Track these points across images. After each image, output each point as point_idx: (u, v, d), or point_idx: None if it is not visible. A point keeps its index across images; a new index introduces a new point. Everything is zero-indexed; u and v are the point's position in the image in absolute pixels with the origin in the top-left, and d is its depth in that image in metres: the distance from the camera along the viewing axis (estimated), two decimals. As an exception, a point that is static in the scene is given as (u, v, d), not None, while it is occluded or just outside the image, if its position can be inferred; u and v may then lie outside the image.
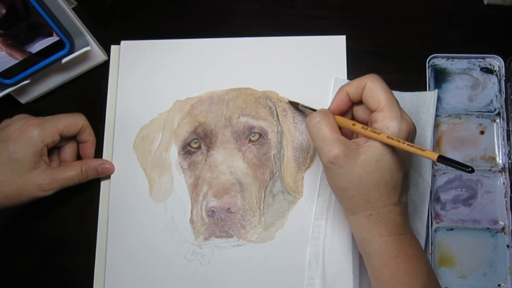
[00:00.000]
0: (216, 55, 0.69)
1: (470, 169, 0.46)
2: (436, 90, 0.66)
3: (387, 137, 0.50)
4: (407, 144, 0.49)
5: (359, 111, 0.57)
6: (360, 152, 0.51)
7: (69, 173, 0.63)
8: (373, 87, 0.52)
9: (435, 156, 0.47)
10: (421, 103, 0.66)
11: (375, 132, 0.51)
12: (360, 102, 0.55)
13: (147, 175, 0.67)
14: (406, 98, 0.66)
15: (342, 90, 0.55)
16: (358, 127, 0.53)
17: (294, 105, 0.66)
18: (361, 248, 0.55)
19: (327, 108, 0.57)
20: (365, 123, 0.54)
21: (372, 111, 0.53)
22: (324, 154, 0.51)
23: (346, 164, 0.50)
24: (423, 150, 0.48)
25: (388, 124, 0.51)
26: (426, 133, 0.65)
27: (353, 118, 0.58)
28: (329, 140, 0.51)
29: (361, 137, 0.53)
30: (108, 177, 0.67)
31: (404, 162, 0.52)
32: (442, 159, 0.47)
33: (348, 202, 0.53)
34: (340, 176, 0.51)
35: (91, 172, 0.65)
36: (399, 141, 0.49)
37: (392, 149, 0.51)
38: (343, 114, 0.57)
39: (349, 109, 0.57)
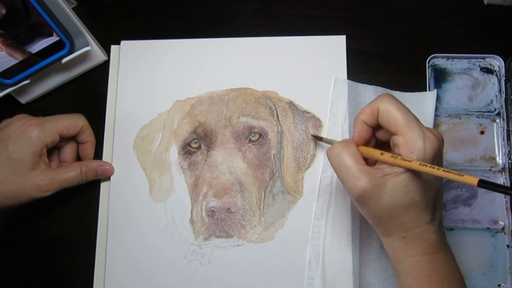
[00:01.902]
0: (216, 55, 0.69)
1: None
2: (435, 90, 0.66)
3: (419, 164, 0.47)
4: (443, 170, 0.46)
5: (380, 133, 0.54)
6: (387, 179, 0.49)
7: (69, 174, 0.63)
8: (387, 111, 0.50)
9: (475, 181, 0.44)
10: (421, 104, 0.66)
11: (406, 160, 0.48)
12: (380, 126, 0.53)
13: (147, 175, 0.67)
14: (406, 98, 0.66)
15: (358, 119, 0.53)
16: (387, 157, 0.50)
17: (318, 139, 0.65)
18: (394, 265, 0.54)
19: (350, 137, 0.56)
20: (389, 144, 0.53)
21: (392, 134, 0.51)
22: (351, 188, 0.49)
23: (374, 195, 0.48)
24: (461, 175, 0.45)
25: (412, 147, 0.48)
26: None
27: (376, 140, 0.55)
28: (354, 172, 0.49)
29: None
30: (108, 177, 0.67)
31: (434, 179, 0.50)
32: (483, 183, 0.44)
33: (381, 227, 0.52)
34: (370, 207, 0.50)
35: (91, 173, 0.65)
36: (433, 167, 0.46)
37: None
38: (367, 140, 0.54)
39: (372, 134, 0.55)
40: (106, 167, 0.66)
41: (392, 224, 0.50)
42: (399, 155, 0.49)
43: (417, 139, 0.48)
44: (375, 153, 0.52)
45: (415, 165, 0.47)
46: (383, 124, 0.51)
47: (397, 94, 0.66)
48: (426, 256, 0.50)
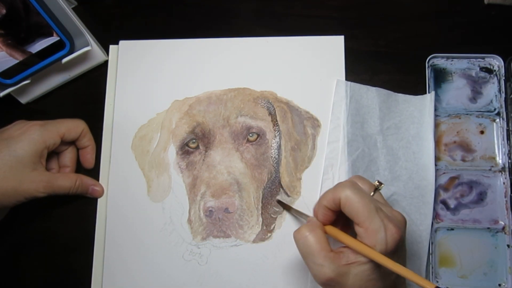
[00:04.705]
0: (214, 55, 0.69)
1: None
2: (433, 92, 0.66)
3: (382, 258, 0.47)
4: (410, 274, 0.46)
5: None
6: (350, 268, 0.49)
7: (64, 182, 0.63)
8: (348, 203, 0.49)
9: (432, 287, 0.44)
10: (422, 106, 0.66)
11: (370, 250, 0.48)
12: None
13: (145, 175, 0.67)
14: (409, 101, 0.66)
15: (321, 204, 0.52)
16: (353, 243, 0.49)
17: (286, 208, 0.65)
18: None
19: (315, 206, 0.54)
20: None
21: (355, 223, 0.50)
22: (316, 274, 0.49)
23: (338, 283, 0.49)
24: (421, 279, 0.45)
25: (373, 240, 0.48)
26: (427, 136, 0.65)
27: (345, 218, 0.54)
28: (319, 260, 0.49)
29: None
30: (106, 177, 0.67)
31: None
32: None
33: None
34: None
35: (82, 188, 0.65)
36: (397, 265, 0.46)
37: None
38: (333, 219, 0.53)
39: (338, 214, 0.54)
40: (96, 188, 0.67)
41: None
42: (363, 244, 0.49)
43: (378, 232, 0.48)
44: (342, 237, 0.51)
45: (380, 258, 0.47)
46: (346, 213, 0.50)
47: (399, 97, 0.66)
48: None
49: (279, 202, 0.65)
